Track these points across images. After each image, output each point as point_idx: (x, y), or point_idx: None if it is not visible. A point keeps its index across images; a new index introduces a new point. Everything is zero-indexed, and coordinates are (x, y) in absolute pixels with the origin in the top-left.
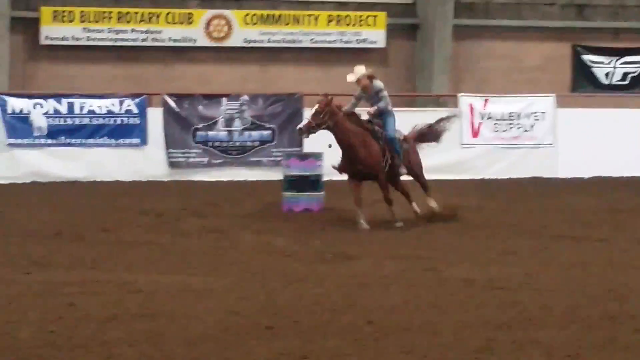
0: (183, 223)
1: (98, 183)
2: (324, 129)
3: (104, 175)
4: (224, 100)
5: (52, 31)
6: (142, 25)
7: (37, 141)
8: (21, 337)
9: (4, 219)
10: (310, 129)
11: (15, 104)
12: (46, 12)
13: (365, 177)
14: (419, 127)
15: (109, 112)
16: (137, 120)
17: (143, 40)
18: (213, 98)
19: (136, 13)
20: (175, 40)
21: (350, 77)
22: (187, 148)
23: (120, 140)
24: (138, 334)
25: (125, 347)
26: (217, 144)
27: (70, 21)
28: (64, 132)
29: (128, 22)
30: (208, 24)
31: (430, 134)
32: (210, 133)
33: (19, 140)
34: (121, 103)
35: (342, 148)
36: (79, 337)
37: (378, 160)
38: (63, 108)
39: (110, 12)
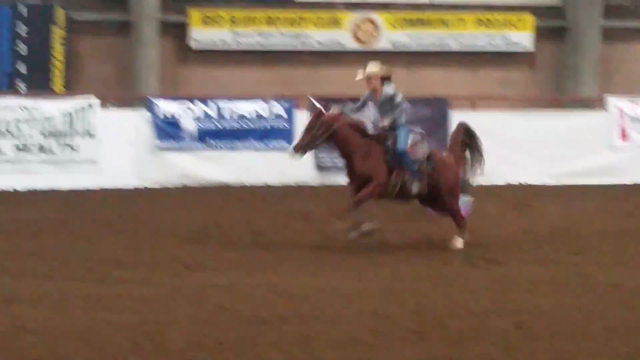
0: (331, 226)
1: (247, 186)
2: (322, 142)
3: (252, 178)
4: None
5: (201, 35)
6: (290, 29)
7: (186, 144)
8: (171, 339)
9: (155, 222)
10: (305, 146)
11: (166, 107)
12: (195, 15)
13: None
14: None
15: (258, 115)
16: (285, 124)
17: (291, 44)
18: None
19: (284, 17)
20: (322, 44)
21: (360, 75)
22: None
23: (269, 144)
24: (288, 337)
25: (274, 351)
26: None
27: (219, 25)
28: (213, 135)
29: (276, 25)
30: (355, 27)
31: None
32: None
33: (169, 144)
34: (269, 106)
35: (343, 159)
36: (228, 340)
37: (377, 172)
38: (212, 111)
39: (259, 17)
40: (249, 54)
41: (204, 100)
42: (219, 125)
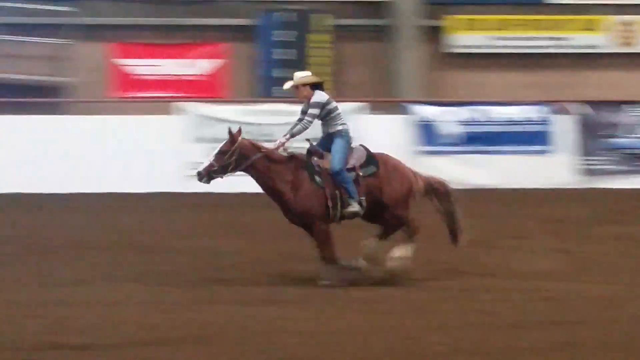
0: (593, 230)
1: (504, 190)
2: (235, 171)
3: (511, 182)
4: (635, 106)
5: (458, 39)
6: (549, 32)
7: (446, 148)
8: (428, 343)
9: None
10: (212, 173)
11: (426, 111)
12: (451, 20)
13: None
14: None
15: (518, 119)
16: (545, 128)
17: (550, 47)
18: (625, 104)
19: (541, 20)
20: (581, 47)
21: (288, 85)
22: (598, 155)
23: (528, 148)
24: (547, 342)
25: (535, 356)
26: (629, 150)
27: (477, 29)
28: (471, 140)
29: (534, 29)
30: (615, 30)
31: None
32: (621, 140)
33: (429, 148)
34: (530, 110)
35: (268, 194)
36: (486, 343)
37: (312, 204)
38: (472, 115)
39: (516, 20)
40: (507, 58)
41: (463, 104)
42: (478, 129)
